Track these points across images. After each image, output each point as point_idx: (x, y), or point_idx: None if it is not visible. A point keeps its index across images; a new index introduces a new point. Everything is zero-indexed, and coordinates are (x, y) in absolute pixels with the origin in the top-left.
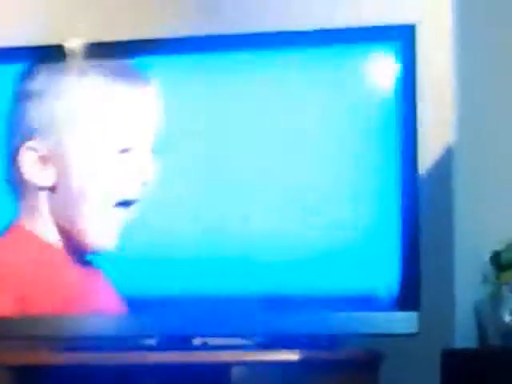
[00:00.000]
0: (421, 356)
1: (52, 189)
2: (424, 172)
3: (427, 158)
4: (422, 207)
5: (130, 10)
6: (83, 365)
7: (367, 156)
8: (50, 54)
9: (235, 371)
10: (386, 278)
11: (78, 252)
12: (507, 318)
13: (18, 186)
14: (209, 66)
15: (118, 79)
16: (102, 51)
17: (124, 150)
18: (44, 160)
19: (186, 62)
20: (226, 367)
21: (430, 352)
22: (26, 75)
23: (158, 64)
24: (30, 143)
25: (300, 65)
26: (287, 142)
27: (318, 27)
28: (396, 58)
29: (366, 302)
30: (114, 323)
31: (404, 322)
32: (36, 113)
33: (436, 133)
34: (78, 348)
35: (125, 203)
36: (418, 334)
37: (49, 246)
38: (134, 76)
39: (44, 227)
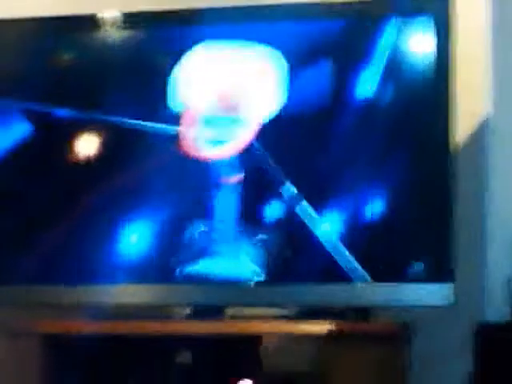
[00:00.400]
0: (453, 329)
1: None
2: (458, 145)
3: (462, 132)
4: (456, 180)
5: None
6: (117, 333)
7: (402, 128)
8: (83, 25)
9: (267, 342)
10: (420, 249)
11: None
12: None
13: None
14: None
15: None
16: (137, 21)
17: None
18: None
19: (219, 33)
20: (257, 338)
21: (462, 325)
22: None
23: (194, 35)
24: None
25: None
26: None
27: None
28: (431, 31)
29: (399, 274)
30: (148, 292)
31: (438, 293)
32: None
33: (471, 106)
34: (111, 317)
35: None
36: (451, 305)
37: None
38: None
39: None
